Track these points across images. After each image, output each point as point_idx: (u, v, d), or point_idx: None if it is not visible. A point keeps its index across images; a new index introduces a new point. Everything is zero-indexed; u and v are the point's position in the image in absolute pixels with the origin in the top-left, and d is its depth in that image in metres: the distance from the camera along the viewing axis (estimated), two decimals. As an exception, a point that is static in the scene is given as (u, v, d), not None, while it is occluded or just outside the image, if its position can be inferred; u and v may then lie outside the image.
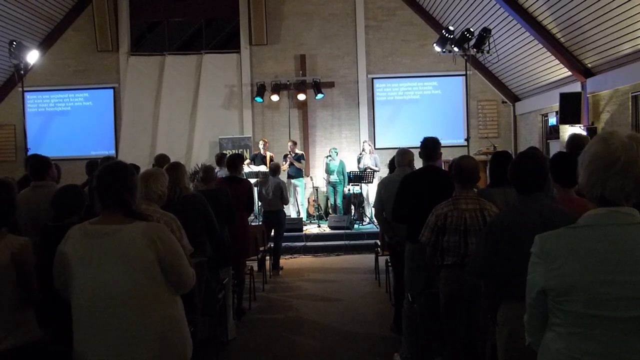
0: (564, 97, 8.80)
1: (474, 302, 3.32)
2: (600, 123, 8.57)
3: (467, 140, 9.44)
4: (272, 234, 8.10)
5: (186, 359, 2.37)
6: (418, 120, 12.05)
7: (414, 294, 4.10)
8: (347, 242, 9.48)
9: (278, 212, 8.06)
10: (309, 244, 9.54)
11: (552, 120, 10.34)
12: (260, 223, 8.27)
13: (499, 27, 9.75)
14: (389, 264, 5.93)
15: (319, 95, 11.66)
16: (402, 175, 4.61)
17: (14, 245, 2.57)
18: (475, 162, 3.62)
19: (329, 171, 10.72)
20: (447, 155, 8.41)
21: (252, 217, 8.59)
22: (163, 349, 2.24)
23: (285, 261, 8.66)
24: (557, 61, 9.24)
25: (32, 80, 11.47)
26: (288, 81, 11.88)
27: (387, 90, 12.36)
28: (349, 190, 10.58)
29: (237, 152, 10.88)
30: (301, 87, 11.72)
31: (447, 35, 9.24)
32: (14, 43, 8.74)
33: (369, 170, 10.27)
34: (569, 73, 9.14)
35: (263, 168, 9.81)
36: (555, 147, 9.98)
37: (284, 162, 10.35)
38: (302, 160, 10.62)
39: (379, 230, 7.58)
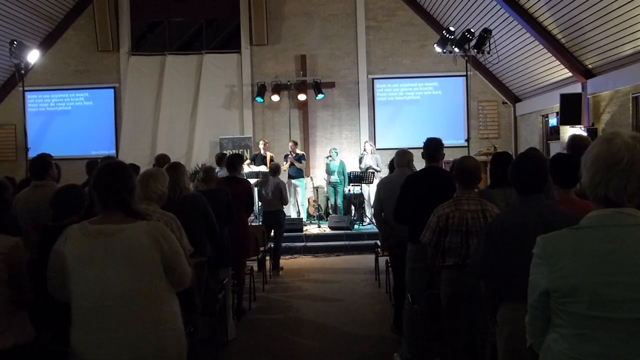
0: (564, 98, 8.80)
1: (474, 303, 3.32)
2: (601, 124, 8.56)
3: (467, 140, 9.43)
4: (272, 234, 8.10)
5: (183, 350, 2.39)
6: (418, 120, 12.05)
7: (414, 294, 4.09)
8: (347, 243, 9.48)
9: (277, 213, 8.05)
10: (309, 244, 9.53)
11: (553, 121, 10.33)
12: (260, 223, 8.27)
13: (500, 28, 9.74)
14: (389, 264, 5.93)
15: (320, 96, 11.67)
16: (401, 176, 4.60)
17: (5, 246, 2.51)
18: (477, 162, 3.62)
19: (329, 171, 10.72)
20: (447, 156, 8.28)
21: (252, 217, 8.58)
22: (161, 344, 2.26)
23: (285, 261, 8.65)
24: (557, 62, 9.24)
25: (33, 79, 11.47)
26: (288, 81, 11.88)
27: (387, 90, 12.35)
28: (349, 190, 10.58)
29: (237, 152, 10.89)
30: (302, 87, 11.72)
31: (447, 35, 9.22)
32: (15, 43, 8.72)
33: (370, 170, 10.26)
34: (570, 74, 9.14)
35: (263, 168, 9.80)
36: (555, 148, 9.97)
37: (285, 162, 10.35)
38: (302, 161, 10.61)
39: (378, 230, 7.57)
